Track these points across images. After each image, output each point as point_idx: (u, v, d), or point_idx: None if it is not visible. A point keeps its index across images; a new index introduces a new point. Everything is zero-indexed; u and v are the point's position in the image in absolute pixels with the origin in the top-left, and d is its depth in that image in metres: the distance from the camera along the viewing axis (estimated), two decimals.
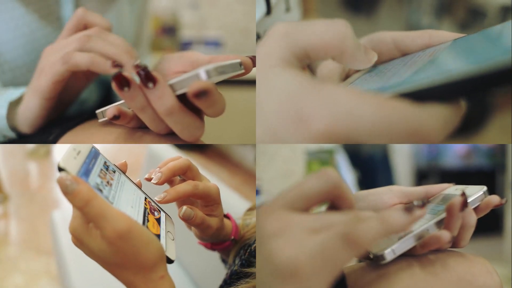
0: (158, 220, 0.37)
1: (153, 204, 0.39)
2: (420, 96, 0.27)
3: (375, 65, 0.37)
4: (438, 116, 0.27)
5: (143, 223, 0.34)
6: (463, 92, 0.27)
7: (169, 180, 0.40)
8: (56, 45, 0.41)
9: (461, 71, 0.26)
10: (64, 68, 0.39)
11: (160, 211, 0.39)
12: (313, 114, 0.26)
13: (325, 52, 0.30)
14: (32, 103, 0.41)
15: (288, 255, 0.24)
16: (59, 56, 0.39)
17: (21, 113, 0.42)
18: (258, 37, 0.49)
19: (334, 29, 0.30)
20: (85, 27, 0.42)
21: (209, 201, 0.41)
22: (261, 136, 0.28)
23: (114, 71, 0.37)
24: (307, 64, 0.32)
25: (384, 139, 0.26)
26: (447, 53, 0.30)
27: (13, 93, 0.44)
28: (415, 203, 0.26)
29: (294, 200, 0.27)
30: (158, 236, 0.34)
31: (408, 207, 0.25)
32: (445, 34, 0.34)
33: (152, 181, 0.39)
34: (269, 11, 0.48)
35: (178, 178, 0.42)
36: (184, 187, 0.39)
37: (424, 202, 0.26)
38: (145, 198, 0.38)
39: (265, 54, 0.30)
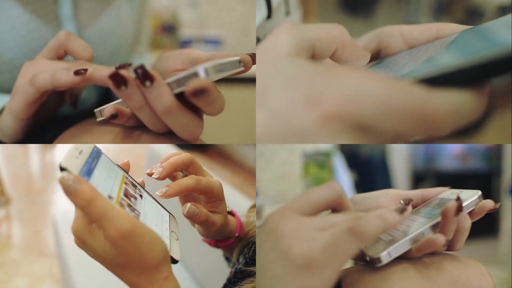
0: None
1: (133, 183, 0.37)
2: (426, 84, 0.28)
3: (381, 59, 0.38)
4: (450, 102, 0.27)
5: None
6: (458, 83, 0.28)
7: (171, 175, 0.39)
8: (35, 63, 0.41)
9: (452, 63, 0.27)
10: (32, 90, 0.38)
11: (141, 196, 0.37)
12: (324, 94, 0.27)
13: (329, 43, 0.32)
14: (8, 121, 0.41)
15: (302, 249, 0.26)
16: (29, 77, 0.38)
17: (0, 126, 0.42)
18: (258, 41, 0.49)
19: (334, 26, 0.33)
20: (65, 52, 0.41)
21: (212, 197, 0.41)
22: (266, 124, 0.28)
23: (77, 79, 0.37)
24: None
25: (393, 121, 0.27)
26: (445, 48, 0.31)
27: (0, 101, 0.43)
28: (402, 202, 0.31)
29: (304, 205, 0.31)
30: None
31: (399, 208, 0.29)
32: (453, 27, 0.34)
33: (153, 175, 0.38)
34: (269, 14, 0.47)
35: (180, 174, 0.41)
36: (186, 181, 0.38)
37: (408, 201, 0.32)
38: (123, 175, 0.36)
39: (273, 44, 0.30)
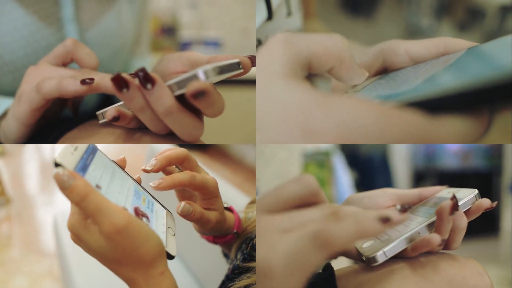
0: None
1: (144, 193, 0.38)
2: (425, 106, 0.27)
3: (386, 73, 0.37)
4: (451, 129, 0.26)
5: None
6: (457, 106, 0.27)
7: (166, 169, 0.40)
8: (39, 69, 0.41)
9: (451, 86, 0.26)
10: (38, 97, 0.38)
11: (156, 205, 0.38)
12: (320, 128, 0.26)
13: (326, 60, 0.31)
14: (12, 126, 0.41)
15: (262, 255, 0.24)
16: (35, 84, 0.39)
17: (2, 129, 0.42)
18: (259, 42, 0.48)
19: (333, 39, 0.31)
20: (71, 60, 0.42)
21: (207, 193, 0.41)
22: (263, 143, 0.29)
23: (83, 88, 0.37)
24: (307, 74, 0.32)
25: (391, 143, 0.26)
26: (447, 68, 0.30)
27: (1, 104, 0.44)
28: (399, 207, 0.26)
29: (271, 203, 0.28)
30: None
31: (384, 218, 0.25)
32: (461, 42, 0.34)
33: (146, 167, 0.38)
34: (270, 16, 0.47)
35: (176, 169, 0.42)
36: (181, 176, 0.38)
37: (406, 207, 0.26)
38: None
39: (267, 61, 0.29)
